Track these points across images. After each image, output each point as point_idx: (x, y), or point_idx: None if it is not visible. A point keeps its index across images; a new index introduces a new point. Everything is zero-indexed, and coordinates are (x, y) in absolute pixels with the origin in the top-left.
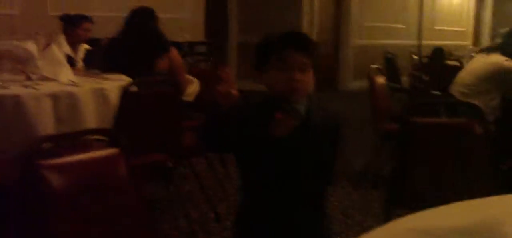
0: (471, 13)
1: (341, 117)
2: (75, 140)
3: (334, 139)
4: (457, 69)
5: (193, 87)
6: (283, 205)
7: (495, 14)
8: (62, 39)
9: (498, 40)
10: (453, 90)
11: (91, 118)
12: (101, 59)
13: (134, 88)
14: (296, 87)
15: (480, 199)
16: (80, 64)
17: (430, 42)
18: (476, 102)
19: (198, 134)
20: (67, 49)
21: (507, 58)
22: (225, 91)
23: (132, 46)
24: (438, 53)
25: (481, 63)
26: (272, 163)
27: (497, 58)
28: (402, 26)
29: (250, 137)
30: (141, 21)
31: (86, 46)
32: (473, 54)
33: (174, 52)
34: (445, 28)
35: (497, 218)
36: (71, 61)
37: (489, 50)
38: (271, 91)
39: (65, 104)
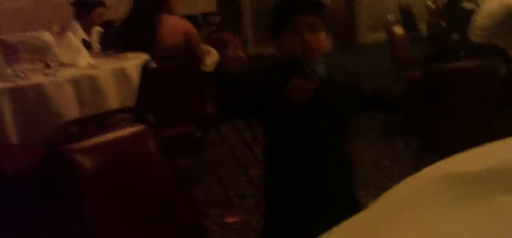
0: None
1: (359, 75)
2: (101, 121)
3: (356, 97)
4: (474, 12)
5: (211, 58)
6: (309, 168)
7: None
8: (76, 24)
9: None
10: (471, 35)
11: (113, 98)
12: (115, 40)
13: (153, 65)
14: (308, 48)
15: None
16: (96, 47)
17: None
18: (498, 40)
19: (216, 103)
20: (82, 34)
21: None
22: (233, 55)
23: (135, 26)
24: None
25: (496, 4)
26: (295, 128)
27: None
28: None
29: (270, 104)
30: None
31: (98, 29)
32: None
33: (189, 25)
34: None
35: None
36: (87, 45)
37: None
38: (285, 56)
39: (87, 87)
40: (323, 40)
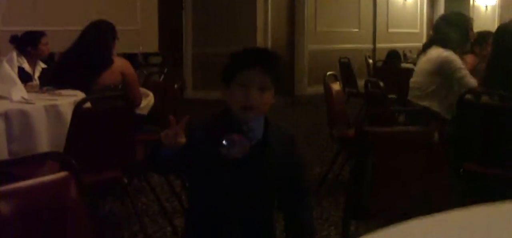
0: (425, 15)
1: (294, 137)
2: (25, 165)
3: (290, 157)
4: (412, 72)
5: (147, 101)
6: (229, 228)
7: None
8: (14, 55)
9: (432, 34)
10: (410, 96)
11: (44, 136)
12: (53, 74)
13: (87, 105)
14: (251, 105)
15: (436, 216)
16: (35, 82)
17: (385, 45)
18: (432, 103)
19: (146, 159)
20: (26, 66)
21: (446, 49)
22: (172, 137)
23: (77, 61)
24: (393, 56)
25: (424, 62)
26: (223, 185)
27: (437, 53)
28: (356, 30)
29: (205, 158)
30: (91, 36)
31: (42, 65)
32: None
33: (128, 66)
34: (399, 30)
35: None
36: (28, 77)
37: (426, 47)
38: (229, 107)
39: (18, 123)
40: (268, 100)
